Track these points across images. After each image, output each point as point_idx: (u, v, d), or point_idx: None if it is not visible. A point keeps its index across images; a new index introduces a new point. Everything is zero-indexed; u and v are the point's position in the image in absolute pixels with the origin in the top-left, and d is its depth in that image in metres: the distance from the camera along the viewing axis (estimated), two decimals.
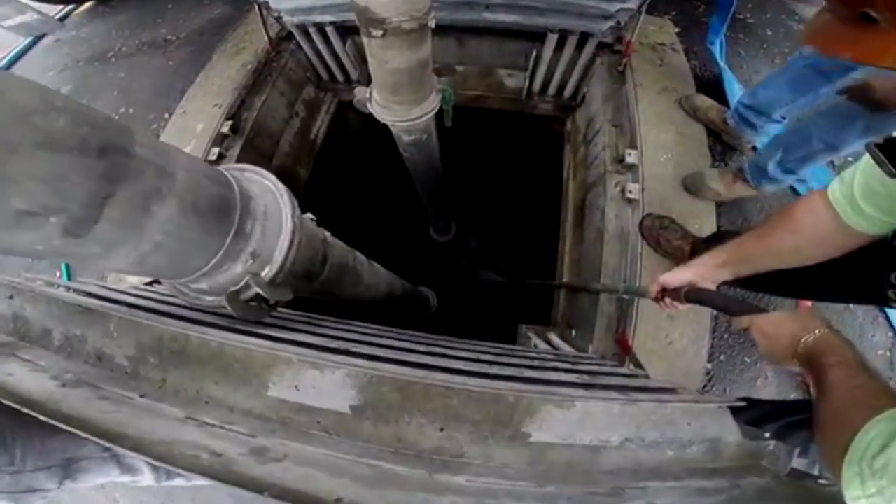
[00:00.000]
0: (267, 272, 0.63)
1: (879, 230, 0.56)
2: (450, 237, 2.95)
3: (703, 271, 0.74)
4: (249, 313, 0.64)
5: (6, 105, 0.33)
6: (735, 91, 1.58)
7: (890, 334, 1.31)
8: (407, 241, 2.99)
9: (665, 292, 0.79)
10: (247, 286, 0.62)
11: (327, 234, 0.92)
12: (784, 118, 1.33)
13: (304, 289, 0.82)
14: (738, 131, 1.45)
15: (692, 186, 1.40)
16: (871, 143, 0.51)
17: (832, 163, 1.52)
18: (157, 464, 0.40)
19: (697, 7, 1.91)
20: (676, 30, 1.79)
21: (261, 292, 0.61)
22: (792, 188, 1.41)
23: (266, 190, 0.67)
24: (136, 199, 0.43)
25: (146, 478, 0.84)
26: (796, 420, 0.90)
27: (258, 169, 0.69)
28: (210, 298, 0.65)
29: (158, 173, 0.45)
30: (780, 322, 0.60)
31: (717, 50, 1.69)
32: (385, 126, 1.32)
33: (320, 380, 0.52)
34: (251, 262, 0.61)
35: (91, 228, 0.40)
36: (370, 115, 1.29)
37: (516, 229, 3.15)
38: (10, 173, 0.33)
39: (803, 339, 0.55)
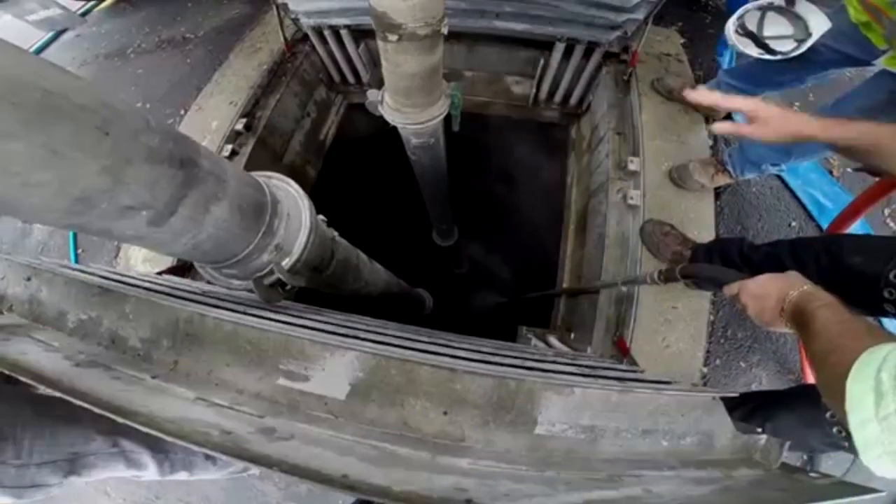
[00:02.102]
0: (287, 262, 0.76)
1: None
2: (452, 242, 2.98)
3: (832, 123, 0.64)
4: (270, 295, 0.76)
5: (126, 127, 0.44)
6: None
7: None
8: (409, 243, 3.02)
9: (664, 276, 0.82)
10: (270, 272, 0.75)
11: (336, 233, 1.03)
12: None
13: (314, 280, 0.94)
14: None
15: (679, 179, 1.45)
16: None
17: None
18: (174, 441, 0.40)
19: (704, 18, 1.96)
20: (682, 40, 1.83)
21: (281, 278, 0.74)
22: (780, 178, 1.53)
23: (289, 195, 0.81)
24: (201, 200, 0.56)
25: (151, 472, 0.85)
26: (754, 406, 0.96)
27: (283, 177, 0.83)
28: (237, 282, 0.78)
29: (217, 181, 0.58)
30: (767, 282, 0.62)
31: (725, 62, 1.72)
32: (392, 129, 1.36)
33: (330, 362, 0.54)
34: (275, 253, 0.75)
35: (168, 221, 0.52)
36: (378, 119, 1.33)
37: (518, 235, 3.18)
38: (125, 179, 0.44)
39: (789, 295, 0.57)
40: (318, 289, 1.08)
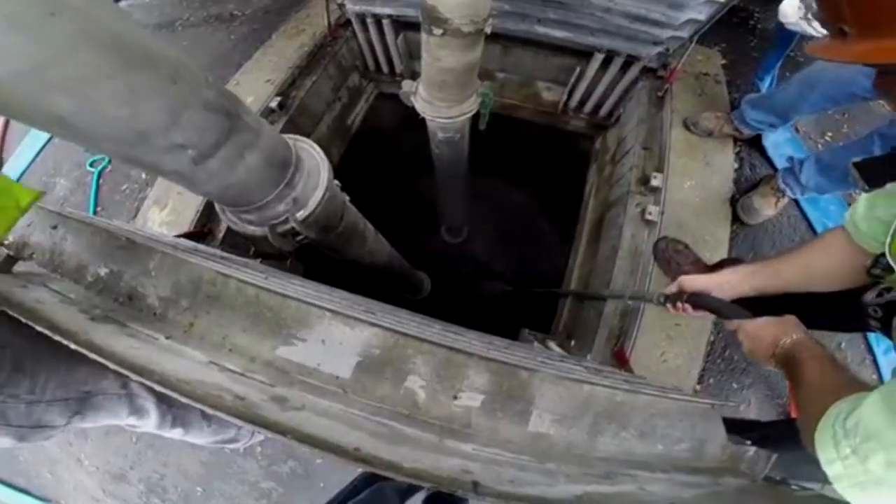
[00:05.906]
0: (301, 214, 0.88)
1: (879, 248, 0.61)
2: (460, 240, 3.00)
3: (724, 282, 0.77)
4: (282, 242, 0.89)
5: (190, 79, 0.56)
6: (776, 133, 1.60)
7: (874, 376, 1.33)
8: (418, 236, 3.04)
9: (673, 295, 0.85)
10: (284, 221, 0.87)
11: (347, 198, 1.15)
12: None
13: (323, 238, 1.06)
14: (752, 132, 1.56)
15: (744, 215, 1.47)
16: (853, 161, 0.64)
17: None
18: (189, 402, 0.39)
19: (749, 41, 1.91)
20: (723, 61, 1.80)
21: (295, 227, 0.87)
22: (799, 208, 1.53)
23: (312, 157, 0.94)
24: (238, 147, 0.67)
25: (151, 422, 0.85)
26: (761, 435, 0.95)
27: (310, 142, 0.96)
28: (253, 228, 0.90)
29: (253, 133, 0.69)
30: (764, 326, 0.68)
31: (765, 86, 1.70)
32: (415, 124, 1.39)
33: (349, 336, 0.53)
34: (292, 204, 0.87)
35: (207, 161, 0.62)
36: (403, 112, 1.36)
37: (527, 240, 3.18)
38: (181, 120, 0.55)
39: (782, 341, 0.62)
40: (324, 250, 1.17)
